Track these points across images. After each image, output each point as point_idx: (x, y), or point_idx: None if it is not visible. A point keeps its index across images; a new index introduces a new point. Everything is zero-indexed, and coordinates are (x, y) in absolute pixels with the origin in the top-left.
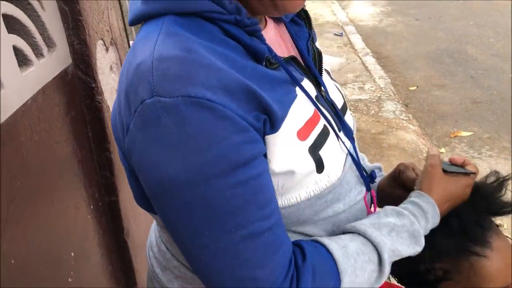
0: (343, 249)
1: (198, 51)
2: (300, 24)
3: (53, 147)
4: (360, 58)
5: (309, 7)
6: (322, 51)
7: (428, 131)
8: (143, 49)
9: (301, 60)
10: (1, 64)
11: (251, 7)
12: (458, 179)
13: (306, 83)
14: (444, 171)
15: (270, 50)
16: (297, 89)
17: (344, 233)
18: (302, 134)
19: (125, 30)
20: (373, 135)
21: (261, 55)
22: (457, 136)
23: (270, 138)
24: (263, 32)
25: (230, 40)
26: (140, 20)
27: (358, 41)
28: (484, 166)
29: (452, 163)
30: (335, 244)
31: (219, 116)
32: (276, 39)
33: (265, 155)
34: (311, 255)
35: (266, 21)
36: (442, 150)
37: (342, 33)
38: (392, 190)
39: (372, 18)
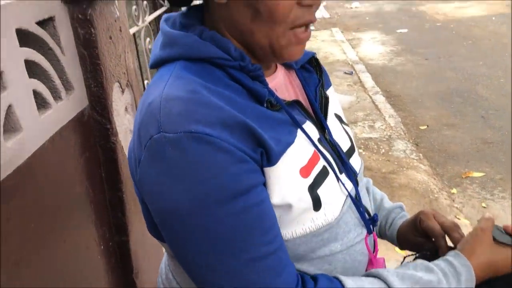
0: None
1: (201, 92)
2: (310, 71)
3: (67, 188)
4: (370, 97)
5: (320, 45)
6: (334, 89)
7: (439, 171)
8: (155, 90)
9: (307, 104)
10: (21, 108)
11: (255, 54)
12: (506, 250)
13: (308, 126)
14: (494, 238)
15: (271, 93)
16: (298, 130)
17: (366, 276)
18: (305, 171)
19: (140, 68)
20: (384, 174)
21: (262, 97)
22: (468, 176)
23: (268, 171)
24: (272, 76)
25: (234, 83)
26: (158, 64)
27: (368, 80)
28: (497, 208)
29: (506, 230)
30: (351, 281)
31: (218, 149)
32: (285, 83)
33: (264, 184)
34: (323, 282)
35: (276, 66)
36: (454, 190)
37: (352, 72)
38: (413, 237)
39: (381, 57)
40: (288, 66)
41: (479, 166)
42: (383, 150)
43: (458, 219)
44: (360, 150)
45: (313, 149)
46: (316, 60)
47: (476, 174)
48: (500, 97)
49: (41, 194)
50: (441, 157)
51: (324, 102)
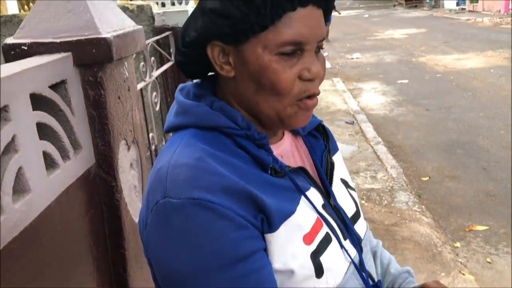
0: None
1: (206, 160)
2: (317, 137)
3: (70, 246)
4: (372, 147)
5: (322, 95)
6: (335, 139)
7: (442, 224)
8: (165, 156)
9: (313, 171)
10: (31, 170)
11: (263, 122)
12: None
13: (312, 192)
14: None
15: (275, 160)
16: (302, 197)
17: None
18: (308, 238)
19: (145, 120)
20: (386, 226)
21: (266, 165)
22: (472, 230)
23: (269, 237)
24: (278, 144)
25: (241, 151)
26: (171, 130)
27: (369, 130)
28: (502, 263)
29: None
30: None
31: (219, 215)
32: (291, 150)
33: (265, 250)
34: None
35: (283, 133)
36: (457, 244)
37: (353, 122)
38: None
39: (383, 107)
40: (295, 133)
41: (483, 219)
42: (386, 202)
43: (463, 274)
44: (363, 201)
45: (316, 215)
46: (323, 127)
47: (480, 228)
48: (501, 149)
49: (45, 254)
50: (443, 210)
51: (330, 168)
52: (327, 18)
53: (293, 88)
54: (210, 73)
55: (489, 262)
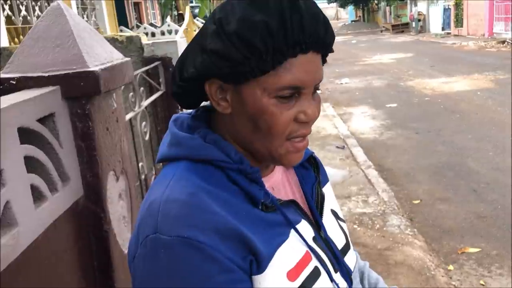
0: None
1: (199, 196)
2: (308, 168)
3: (58, 279)
4: (363, 171)
5: None
6: (323, 164)
7: (434, 247)
8: (158, 189)
9: (303, 202)
10: (18, 203)
11: (257, 158)
12: None
13: (303, 225)
14: None
15: (267, 195)
16: (292, 230)
17: None
18: (292, 275)
19: (135, 149)
20: (379, 251)
21: (257, 200)
22: (464, 252)
23: (256, 278)
24: (269, 176)
25: (232, 185)
26: (164, 161)
27: (360, 154)
28: (496, 285)
29: None
30: None
31: (207, 257)
32: (282, 181)
33: None
34: None
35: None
36: (451, 267)
37: (344, 146)
38: None
39: (372, 131)
40: None
41: (475, 241)
42: (378, 226)
43: None
44: (355, 226)
45: (305, 249)
46: (314, 158)
47: (472, 250)
48: (491, 170)
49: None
50: (436, 232)
51: (320, 200)
52: (324, 60)
53: (286, 130)
54: (205, 103)
55: (483, 285)
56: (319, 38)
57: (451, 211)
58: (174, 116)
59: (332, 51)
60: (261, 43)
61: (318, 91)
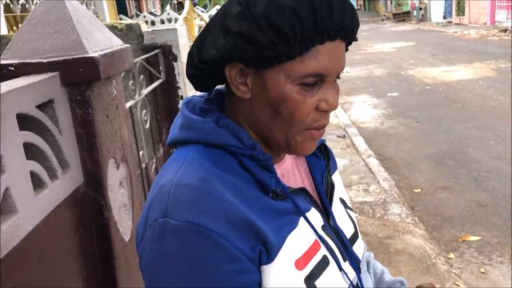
0: None
1: (211, 182)
2: (318, 157)
3: (59, 266)
4: (364, 160)
5: None
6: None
7: (435, 235)
8: (169, 172)
9: (313, 190)
10: (18, 190)
11: (270, 145)
12: None
13: (313, 213)
14: None
15: (278, 183)
16: (301, 219)
17: None
18: (300, 263)
19: (135, 138)
20: (380, 239)
21: (268, 188)
22: (465, 240)
23: (265, 268)
24: (280, 163)
25: (243, 171)
26: (174, 144)
27: (360, 143)
28: (496, 273)
29: None
30: None
31: (215, 245)
32: (292, 169)
33: (259, 284)
34: None
35: None
36: (451, 255)
37: (345, 135)
38: None
39: (373, 120)
40: None
41: (475, 230)
42: (379, 214)
43: (457, 285)
44: (356, 214)
45: (314, 238)
46: (325, 146)
47: (473, 238)
48: (492, 159)
49: (32, 275)
50: (436, 221)
51: (330, 189)
52: (347, 48)
53: (307, 119)
54: (219, 86)
55: (483, 273)
56: (347, 26)
57: (452, 200)
58: (186, 99)
59: (356, 39)
60: (290, 28)
61: (339, 80)
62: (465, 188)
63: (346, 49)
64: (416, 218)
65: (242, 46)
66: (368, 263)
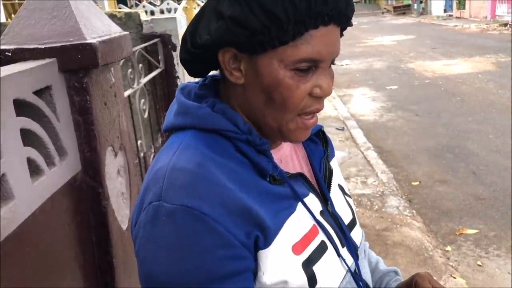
0: None
1: (206, 166)
2: (316, 143)
3: (57, 254)
4: (362, 152)
5: None
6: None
7: (433, 228)
8: (164, 156)
9: (311, 176)
10: (14, 176)
11: (263, 131)
12: None
13: (311, 198)
14: None
15: (275, 167)
16: (299, 204)
17: None
18: (298, 248)
19: (134, 128)
20: (378, 231)
21: (265, 172)
22: (462, 233)
23: (263, 253)
24: (278, 148)
25: (240, 156)
26: (170, 129)
27: (359, 136)
28: (493, 266)
29: None
30: None
31: (209, 229)
32: (290, 155)
33: (254, 272)
34: None
35: None
36: (448, 248)
37: (343, 127)
38: None
39: (372, 113)
40: None
41: (473, 223)
42: (376, 207)
43: (454, 278)
44: (354, 207)
45: (312, 223)
46: (323, 132)
47: (470, 231)
48: (490, 153)
49: (29, 262)
50: (434, 214)
51: (328, 175)
52: (341, 34)
53: (300, 104)
54: (214, 72)
55: (480, 265)
56: (341, 11)
57: (450, 193)
58: (181, 85)
59: (351, 24)
60: (283, 12)
61: (333, 66)
62: (463, 181)
63: (341, 35)
64: (414, 211)
65: (234, 31)
66: (363, 252)
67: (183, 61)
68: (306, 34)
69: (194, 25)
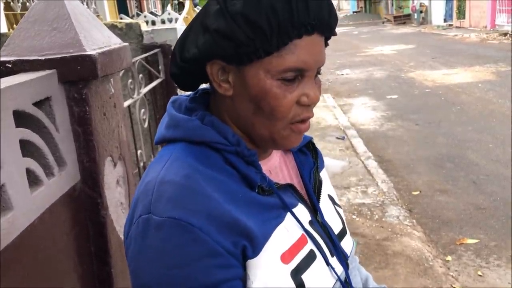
0: None
1: (194, 178)
2: (306, 154)
3: (55, 264)
4: (362, 162)
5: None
6: (323, 154)
7: (433, 238)
8: (154, 170)
9: (301, 187)
10: (13, 187)
11: (255, 141)
12: None
13: (300, 208)
14: None
15: (264, 178)
16: (288, 214)
17: None
18: (286, 257)
19: (134, 137)
20: (378, 241)
21: (253, 183)
22: (463, 243)
23: (251, 262)
24: (267, 159)
25: (229, 167)
26: (161, 142)
27: (359, 145)
28: (493, 276)
29: None
30: None
31: (196, 239)
32: (280, 165)
33: (244, 281)
34: None
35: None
36: (449, 258)
37: (344, 137)
38: None
39: (373, 122)
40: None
41: (473, 233)
42: (377, 216)
43: None
44: (354, 216)
45: (300, 232)
46: (313, 144)
47: (471, 241)
48: (490, 162)
49: (27, 272)
50: (434, 223)
51: (318, 185)
52: (326, 43)
53: (289, 113)
54: (204, 85)
55: (480, 276)
56: (324, 20)
57: (450, 203)
58: (172, 98)
59: (335, 34)
60: (267, 23)
61: (319, 75)
62: (464, 191)
63: (326, 45)
64: (414, 221)
65: (221, 43)
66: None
67: (173, 76)
68: (290, 44)
69: (182, 40)
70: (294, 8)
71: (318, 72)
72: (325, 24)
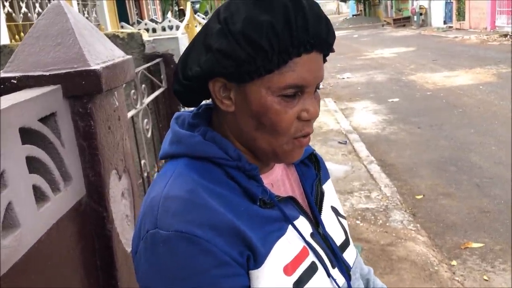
0: None
1: (197, 193)
2: (309, 166)
3: (62, 279)
4: (365, 166)
5: None
6: (326, 159)
7: (437, 242)
8: (158, 185)
9: (302, 199)
10: (20, 204)
11: (257, 155)
12: None
13: (301, 221)
14: None
15: (265, 191)
16: (289, 226)
17: None
18: (289, 269)
19: (137, 146)
20: (382, 246)
21: (255, 197)
22: (467, 247)
23: (254, 273)
24: (269, 172)
25: (231, 181)
26: (165, 157)
27: (362, 149)
28: (499, 281)
29: None
30: None
31: (202, 250)
32: (281, 178)
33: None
34: None
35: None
36: (454, 262)
37: (346, 141)
38: None
39: (375, 126)
40: None
41: (478, 237)
42: (381, 221)
43: None
44: (358, 221)
45: (302, 244)
46: (315, 156)
47: (476, 245)
48: (493, 165)
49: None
50: (439, 228)
51: (320, 197)
52: (325, 59)
53: (290, 128)
54: (206, 101)
55: (486, 280)
56: (322, 38)
57: (454, 206)
58: (176, 114)
59: (333, 50)
60: (267, 43)
61: (318, 90)
62: (467, 194)
63: (325, 60)
64: (418, 225)
65: (222, 62)
66: (368, 281)
67: (176, 93)
68: (290, 62)
69: (185, 59)
70: (294, 27)
71: (317, 87)
72: (323, 42)
